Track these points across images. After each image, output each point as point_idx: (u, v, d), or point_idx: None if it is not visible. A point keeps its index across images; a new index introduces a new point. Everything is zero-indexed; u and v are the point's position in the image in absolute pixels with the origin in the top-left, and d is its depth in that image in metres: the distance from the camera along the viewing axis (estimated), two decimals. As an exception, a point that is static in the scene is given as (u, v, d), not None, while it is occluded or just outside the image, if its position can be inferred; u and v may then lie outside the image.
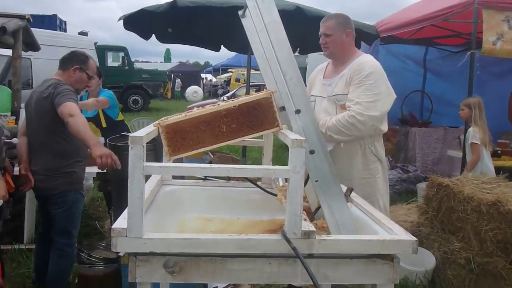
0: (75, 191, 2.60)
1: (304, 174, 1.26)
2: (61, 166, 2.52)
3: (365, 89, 2.23)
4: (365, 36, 4.65)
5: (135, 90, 15.94)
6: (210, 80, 29.81)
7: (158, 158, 2.12)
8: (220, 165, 1.32)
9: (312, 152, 1.51)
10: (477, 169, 4.08)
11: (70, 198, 2.57)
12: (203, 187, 1.94)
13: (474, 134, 3.98)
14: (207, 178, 2.37)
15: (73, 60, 2.65)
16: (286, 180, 1.33)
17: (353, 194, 1.79)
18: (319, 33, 2.41)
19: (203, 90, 24.88)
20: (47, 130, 2.50)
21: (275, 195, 1.70)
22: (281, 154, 6.72)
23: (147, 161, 1.22)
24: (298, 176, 1.24)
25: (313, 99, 2.48)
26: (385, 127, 2.40)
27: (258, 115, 1.47)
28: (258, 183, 1.93)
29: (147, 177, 1.76)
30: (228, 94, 15.93)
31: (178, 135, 1.43)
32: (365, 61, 2.32)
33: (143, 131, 1.31)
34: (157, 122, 1.44)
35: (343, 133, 2.22)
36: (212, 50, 5.54)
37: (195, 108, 1.48)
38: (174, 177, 1.96)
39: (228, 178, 2.30)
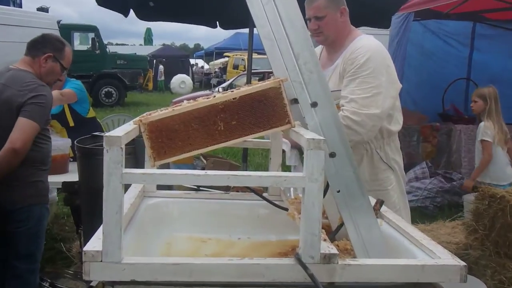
0: (41, 204, 2.61)
1: (323, 183, 1.26)
2: (27, 174, 2.52)
3: (360, 82, 2.23)
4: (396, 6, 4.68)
5: (108, 80, 16.06)
6: (202, 67, 29.96)
7: (139, 164, 2.13)
8: (218, 171, 1.32)
9: (332, 155, 1.51)
10: (488, 173, 4.13)
11: (36, 213, 2.59)
12: (195, 199, 1.94)
13: (485, 130, 4.05)
14: (200, 188, 2.37)
15: (45, 46, 2.66)
16: (300, 190, 1.33)
17: (384, 208, 1.79)
18: (307, 17, 2.38)
19: (192, 80, 24.95)
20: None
21: (286, 209, 1.71)
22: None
23: (126, 167, 1.23)
24: (315, 185, 1.25)
25: None
26: (395, 126, 2.40)
27: (264, 110, 1.48)
28: (264, 194, 1.94)
29: (126, 188, 1.77)
30: (224, 85, 15.97)
31: (164, 135, 1.44)
32: (360, 46, 2.32)
33: (121, 130, 1.32)
34: (138, 118, 1.44)
35: None
36: (207, 26, 5.54)
37: (185, 102, 1.48)
38: (159, 187, 1.97)
39: (227, 189, 2.30)
